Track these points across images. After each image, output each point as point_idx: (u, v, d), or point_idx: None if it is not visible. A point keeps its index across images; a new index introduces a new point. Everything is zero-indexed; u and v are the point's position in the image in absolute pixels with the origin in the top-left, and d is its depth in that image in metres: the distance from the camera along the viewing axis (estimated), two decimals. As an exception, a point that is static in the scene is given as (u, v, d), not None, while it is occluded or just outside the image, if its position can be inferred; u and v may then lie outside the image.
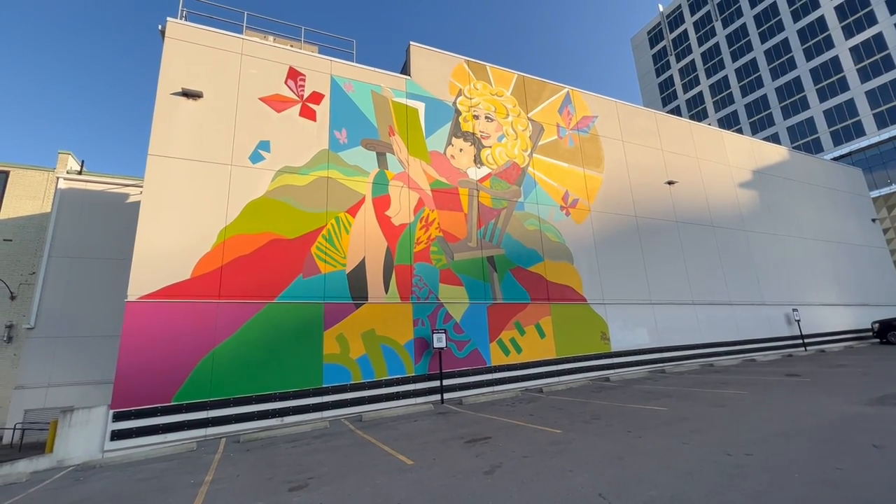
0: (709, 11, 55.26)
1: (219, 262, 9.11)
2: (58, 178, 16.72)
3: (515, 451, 5.37)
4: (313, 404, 9.17)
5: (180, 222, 8.98)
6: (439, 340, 10.29)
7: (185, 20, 10.70)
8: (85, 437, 7.45)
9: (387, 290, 10.60)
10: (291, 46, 12.01)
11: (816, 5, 43.36)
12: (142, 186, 13.35)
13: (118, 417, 7.69)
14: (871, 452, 4.30)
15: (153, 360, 8.12)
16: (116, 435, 7.62)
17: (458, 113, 13.06)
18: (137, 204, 12.63)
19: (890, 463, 3.99)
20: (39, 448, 11.13)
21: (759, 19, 49.17)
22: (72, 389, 14.39)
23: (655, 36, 64.24)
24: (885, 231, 35.23)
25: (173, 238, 8.84)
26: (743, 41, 50.77)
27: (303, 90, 11.00)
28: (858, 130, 39.43)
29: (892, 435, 4.85)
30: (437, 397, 10.32)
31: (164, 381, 8.15)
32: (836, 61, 41.67)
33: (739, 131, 49.05)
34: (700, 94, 56.08)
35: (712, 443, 5.08)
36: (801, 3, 44.82)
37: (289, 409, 8.92)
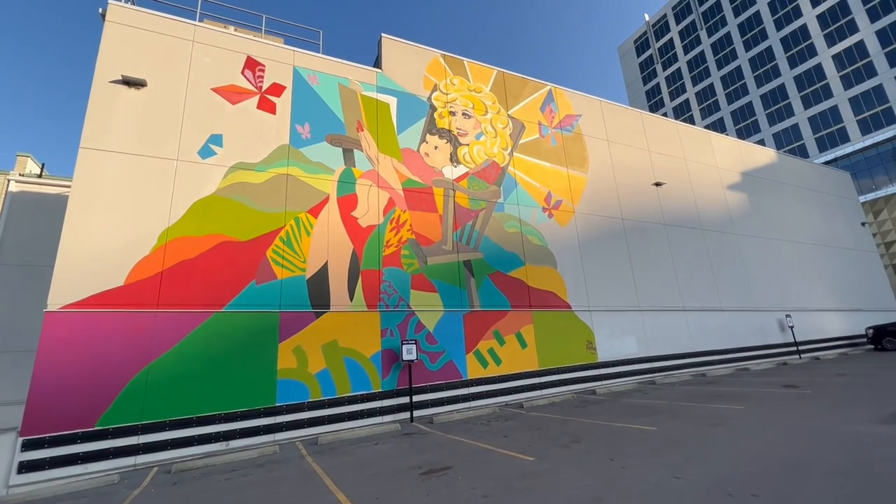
0: (694, 21, 55.75)
1: (159, 266, 8.13)
2: (9, 181, 15.63)
3: (475, 488, 4.47)
4: (264, 426, 8.16)
5: (114, 223, 7.99)
6: (409, 352, 9.37)
7: (133, 4, 9.84)
8: (-15, 471, 6.39)
9: (352, 298, 9.67)
10: (253, 38, 11.19)
11: (799, 14, 43.81)
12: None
13: (28, 446, 6.63)
14: (903, 491, 3.49)
15: (74, 379, 7.07)
16: (25, 467, 6.54)
17: (434, 109, 12.28)
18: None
19: (931, 507, 3.18)
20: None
21: (742, 28, 49.61)
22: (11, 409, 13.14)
23: (642, 45, 64.73)
24: (873, 236, 35.13)
25: (105, 240, 7.84)
26: (728, 49, 51.15)
27: (261, 81, 10.15)
28: (843, 136, 39.58)
29: (921, 464, 4.05)
30: (407, 415, 9.36)
31: (87, 402, 7.10)
32: (819, 69, 41.97)
33: (726, 138, 49.10)
34: (687, 101, 56.36)
35: (709, 476, 4.23)
36: (784, 12, 45.28)
37: (235, 432, 7.90)
